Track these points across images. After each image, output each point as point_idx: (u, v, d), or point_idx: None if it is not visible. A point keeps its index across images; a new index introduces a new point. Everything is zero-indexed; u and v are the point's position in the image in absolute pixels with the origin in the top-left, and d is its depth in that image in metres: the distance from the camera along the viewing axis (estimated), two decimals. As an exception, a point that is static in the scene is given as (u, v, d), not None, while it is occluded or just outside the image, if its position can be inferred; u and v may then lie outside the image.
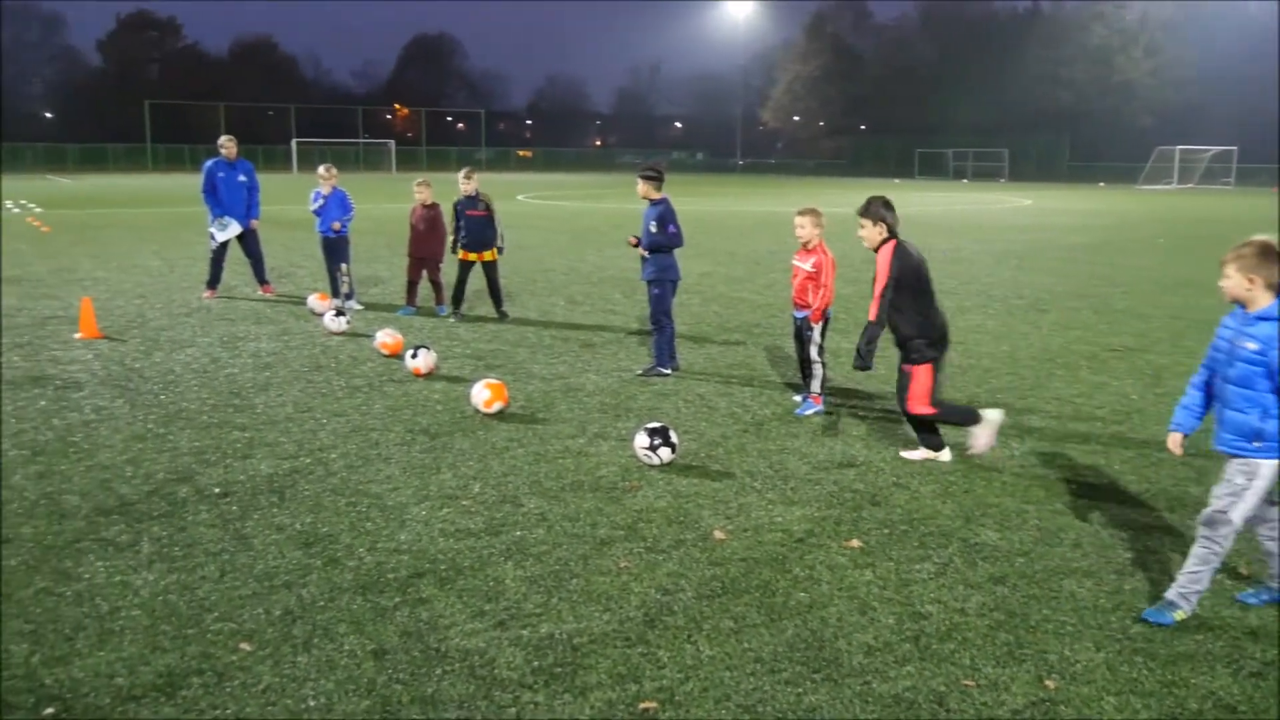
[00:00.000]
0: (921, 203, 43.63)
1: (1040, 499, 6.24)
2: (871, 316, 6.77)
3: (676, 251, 9.39)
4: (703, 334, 11.57)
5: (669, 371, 9.47)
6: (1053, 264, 19.17)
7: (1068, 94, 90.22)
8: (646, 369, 9.54)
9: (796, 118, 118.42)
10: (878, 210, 6.86)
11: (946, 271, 17.63)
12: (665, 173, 9.76)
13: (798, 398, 8.43)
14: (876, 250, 6.85)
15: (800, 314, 8.22)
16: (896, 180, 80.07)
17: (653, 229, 9.25)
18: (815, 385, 8.18)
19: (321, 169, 13.46)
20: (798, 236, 8.21)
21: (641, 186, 9.35)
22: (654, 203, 9.34)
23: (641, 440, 6.76)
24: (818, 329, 8.13)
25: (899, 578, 5.07)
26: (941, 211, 36.79)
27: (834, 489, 6.40)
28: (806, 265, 8.11)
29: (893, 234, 6.85)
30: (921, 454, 6.99)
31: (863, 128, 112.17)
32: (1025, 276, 17.13)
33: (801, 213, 8.24)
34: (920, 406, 6.77)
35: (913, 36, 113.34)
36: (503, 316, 12.54)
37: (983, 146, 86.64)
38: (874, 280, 6.78)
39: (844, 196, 48.30)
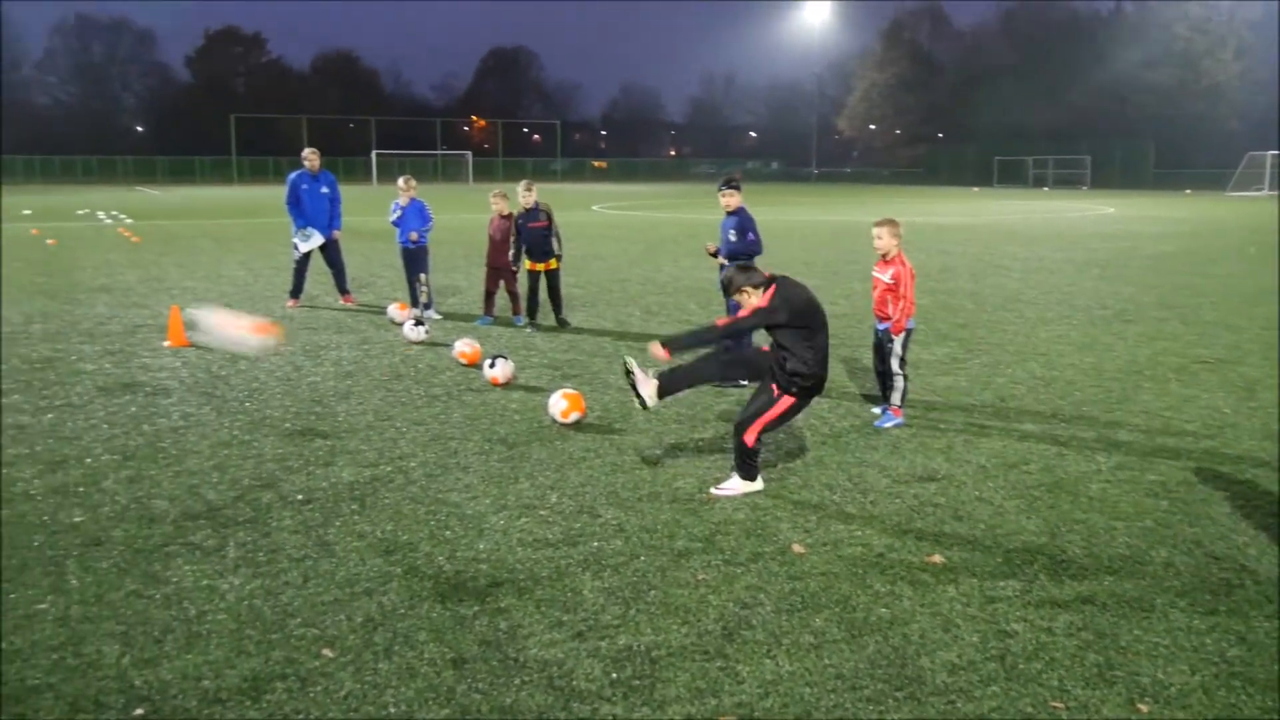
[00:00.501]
0: (1000, 211, 42.95)
1: (1129, 515, 6.07)
2: (719, 323, 6.64)
3: (755, 261, 9.33)
4: (779, 344, 11.47)
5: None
6: (1137, 273, 18.71)
7: (1152, 98, 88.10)
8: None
9: (873, 126, 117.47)
10: (746, 280, 6.48)
11: (1028, 281, 17.33)
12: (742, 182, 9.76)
13: (876, 410, 8.33)
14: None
15: (881, 326, 8.11)
16: (975, 189, 78.96)
17: (732, 237, 9.22)
18: (896, 398, 8.07)
19: (400, 181, 13.67)
20: (876, 248, 8.10)
21: (736, 198, 9.30)
22: (732, 211, 9.30)
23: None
24: (899, 341, 8.02)
25: (983, 595, 4.96)
26: (1020, 220, 36.15)
27: (914, 503, 6.30)
28: (885, 276, 8.00)
29: (770, 278, 6.49)
30: (738, 488, 6.47)
31: (940, 135, 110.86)
32: (1109, 286, 16.74)
33: (879, 223, 8.12)
34: (754, 434, 6.40)
35: (991, 41, 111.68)
36: (563, 324, 12.64)
37: (1063, 153, 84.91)
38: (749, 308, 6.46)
39: (922, 205, 47.80)
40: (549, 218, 12.34)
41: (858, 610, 4.80)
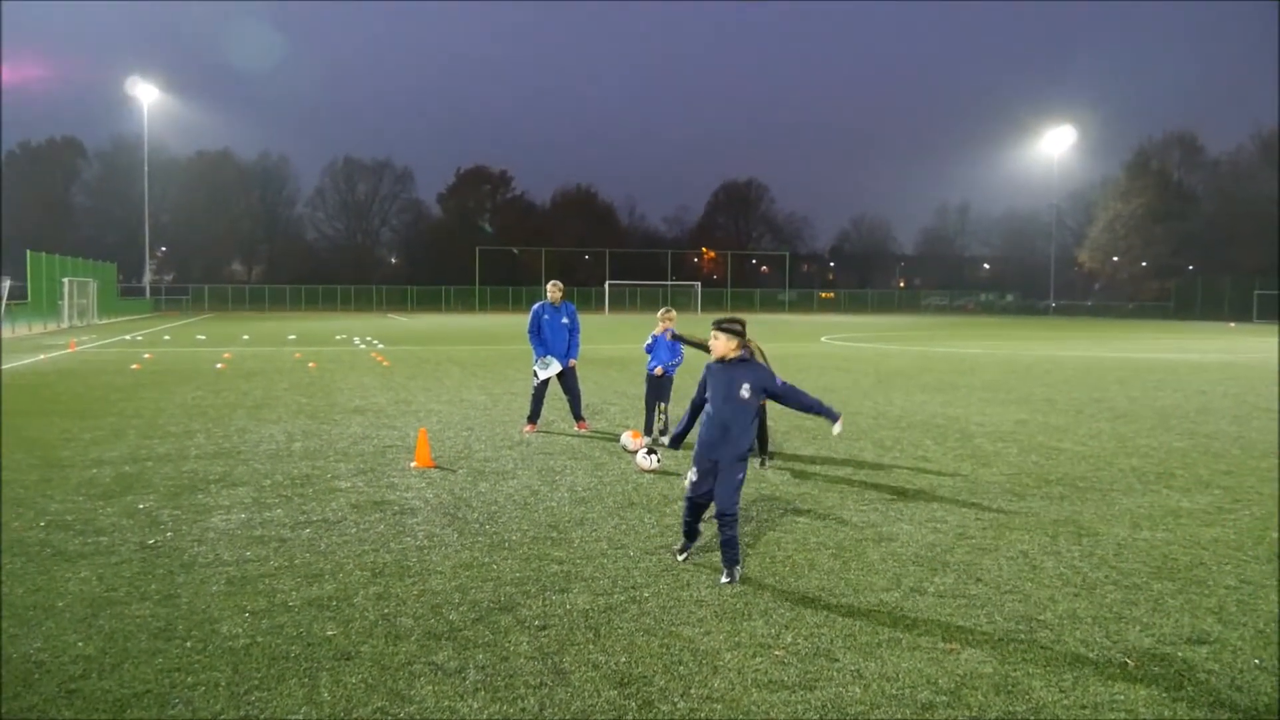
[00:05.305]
0: (1263, 348, 39.96)
1: None
2: None
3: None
4: (1022, 486, 10.94)
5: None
6: None
7: None
8: None
9: (1116, 258, 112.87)
10: None
11: (1301, 425, 15.96)
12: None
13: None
14: None
15: None
16: (1231, 324, 74.11)
17: None
18: None
19: (660, 311, 13.99)
20: None
21: None
22: None
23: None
24: None
25: (1272, 779, 4.45)
26: (1288, 358, 33.51)
27: (1184, 667, 5.77)
28: None
29: None
30: None
31: (1190, 268, 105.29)
32: (1399, 433, 15.17)
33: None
34: None
35: (1251, 169, 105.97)
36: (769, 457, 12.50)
37: (1336, 287, 78.90)
38: None
39: (1173, 341, 45.21)
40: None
41: (1125, 785, 4.39)
